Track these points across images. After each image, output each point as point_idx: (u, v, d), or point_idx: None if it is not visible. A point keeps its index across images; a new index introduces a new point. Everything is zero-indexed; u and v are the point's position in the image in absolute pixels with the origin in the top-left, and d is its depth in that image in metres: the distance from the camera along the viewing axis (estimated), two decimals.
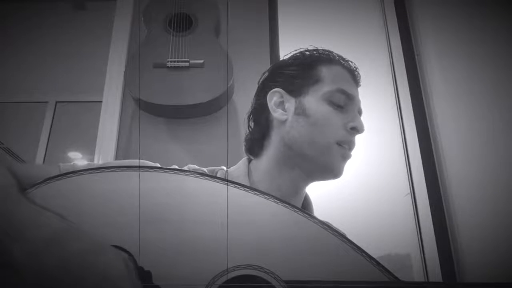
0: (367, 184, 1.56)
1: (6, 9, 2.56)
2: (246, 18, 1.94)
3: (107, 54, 1.91)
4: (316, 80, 0.77)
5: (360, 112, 0.80)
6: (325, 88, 0.76)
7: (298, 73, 0.79)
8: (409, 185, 1.54)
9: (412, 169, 1.55)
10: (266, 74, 0.85)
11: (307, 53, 0.81)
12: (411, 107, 1.61)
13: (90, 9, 2.61)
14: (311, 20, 1.92)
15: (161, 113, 1.72)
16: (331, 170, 0.75)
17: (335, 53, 0.81)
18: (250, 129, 0.84)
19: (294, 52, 0.83)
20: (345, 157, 0.75)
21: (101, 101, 1.83)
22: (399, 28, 1.77)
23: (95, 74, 2.07)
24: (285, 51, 0.81)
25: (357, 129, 0.75)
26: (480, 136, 1.34)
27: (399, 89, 1.69)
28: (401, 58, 1.71)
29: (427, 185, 1.48)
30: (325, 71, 0.77)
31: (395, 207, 1.56)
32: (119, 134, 1.75)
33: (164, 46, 1.68)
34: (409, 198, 1.53)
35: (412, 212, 1.50)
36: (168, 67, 1.63)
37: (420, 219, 1.47)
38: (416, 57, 1.69)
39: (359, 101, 0.80)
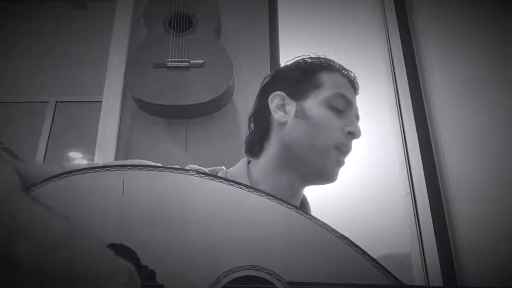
0: (367, 184, 1.57)
1: (6, 9, 2.56)
2: (246, 18, 1.94)
3: (107, 54, 1.91)
4: (317, 85, 0.79)
5: (357, 118, 0.82)
6: (325, 93, 0.78)
7: (300, 78, 0.81)
8: (409, 185, 1.54)
9: (412, 169, 1.55)
10: (268, 78, 0.87)
11: (309, 60, 0.84)
12: (411, 107, 1.61)
13: (90, 9, 2.62)
14: (311, 20, 1.92)
15: (161, 113, 1.72)
16: (325, 175, 0.77)
17: (336, 63, 0.84)
18: (250, 130, 0.86)
19: (297, 59, 0.85)
20: (340, 162, 0.77)
21: (101, 101, 1.83)
22: (399, 28, 1.77)
23: (95, 74, 2.07)
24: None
25: (354, 133, 0.77)
26: (481, 135, 1.34)
27: (399, 89, 1.69)
28: (401, 58, 1.71)
29: (427, 185, 1.48)
30: (325, 77, 0.80)
31: (395, 207, 1.56)
32: (119, 134, 1.75)
33: (164, 46, 1.68)
34: (409, 198, 1.53)
35: (412, 212, 1.50)
36: (168, 67, 1.63)
37: (420, 219, 1.47)
38: (416, 57, 1.69)
39: (357, 108, 0.82)
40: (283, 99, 0.80)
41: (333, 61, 0.84)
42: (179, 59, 1.64)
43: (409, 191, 1.54)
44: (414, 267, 1.46)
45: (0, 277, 0.50)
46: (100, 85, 1.87)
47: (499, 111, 1.27)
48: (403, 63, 1.70)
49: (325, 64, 0.83)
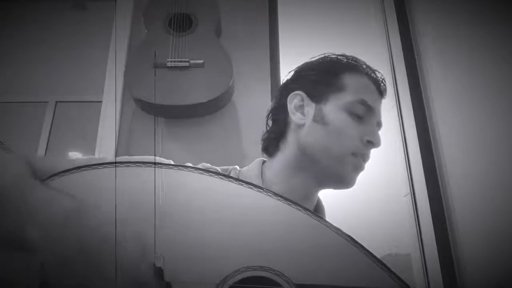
0: (367, 184, 1.56)
1: (6, 9, 2.56)
2: (246, 18, 1.94)
3: (107, 54, 1.91)
4: (339, 88, 0.76)
5: (379, 125, 0.79)
6: (347, 97, 0.75)
7: (322, 79, 0.78)
8: (409, 185, 1.54)
9: (412, 169, 1.55)
10: (291, 74, 0.83)
11: (335, 58, 0.80)
12: (411, 107, 1.61)
13: (90, 9, 2.61)
14: (311, 20, 1.92)
15: (161, 113, 1.72)
16: (343, 180, 0.75)
17: (362, 62, 0.80)
18: (268, 127, 0.84)
19: (322, 56, 0.81)
20: (358, 168, 0.75)
21: (101, 101, 1.83)
22: (399, 28, 1.77)
23: (95, 74, 2.07)
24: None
25: (373, 143, 0.75)
26: (481, 136, 1.34)
27: (399, 89, 1.69)
28: (401, 58, 1.71)
29: (427, 185, 1.48)
30: (349, 80, 0.77)
31: (395, 207, 1.56)
32: (119, 134, 1.75)
33: (164, 46, 1.68)
34: (409, 198, 1.53)
35: (412, 212, 1.50)
36: (168, 67, 1.63)
37: (420, 219, 1.47)
38: (416, 57, 1.69)
39: (379, 114, 0.79)
40: (302, 100, 0.78)
41: (359, 61, 0.80)
42: (179, 59, 1.64)
43: (409, 191, 1.54)
44: (414, 267, 1.45)
45: (17, 262, 0.51)
46: (100, 85, 1.87)
47: (500, 110, 1.27)
48: (403, 63, 1.70)
49: (351, 65, 0.79)
